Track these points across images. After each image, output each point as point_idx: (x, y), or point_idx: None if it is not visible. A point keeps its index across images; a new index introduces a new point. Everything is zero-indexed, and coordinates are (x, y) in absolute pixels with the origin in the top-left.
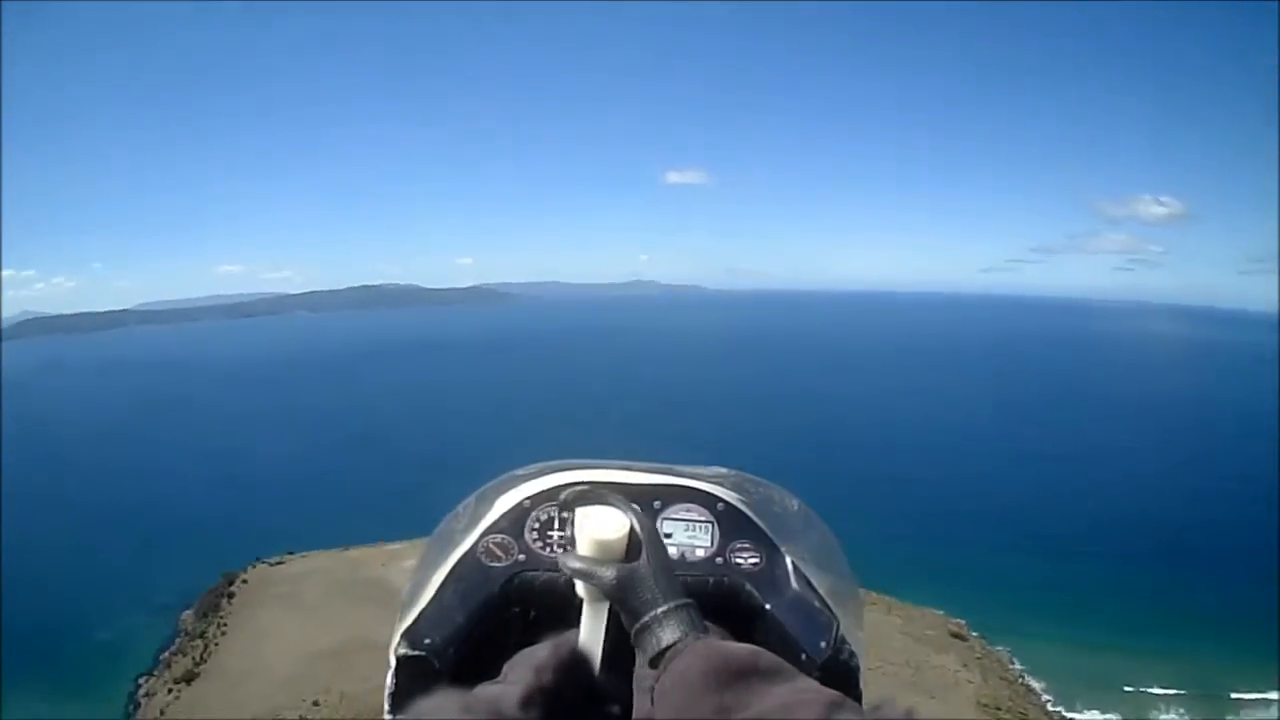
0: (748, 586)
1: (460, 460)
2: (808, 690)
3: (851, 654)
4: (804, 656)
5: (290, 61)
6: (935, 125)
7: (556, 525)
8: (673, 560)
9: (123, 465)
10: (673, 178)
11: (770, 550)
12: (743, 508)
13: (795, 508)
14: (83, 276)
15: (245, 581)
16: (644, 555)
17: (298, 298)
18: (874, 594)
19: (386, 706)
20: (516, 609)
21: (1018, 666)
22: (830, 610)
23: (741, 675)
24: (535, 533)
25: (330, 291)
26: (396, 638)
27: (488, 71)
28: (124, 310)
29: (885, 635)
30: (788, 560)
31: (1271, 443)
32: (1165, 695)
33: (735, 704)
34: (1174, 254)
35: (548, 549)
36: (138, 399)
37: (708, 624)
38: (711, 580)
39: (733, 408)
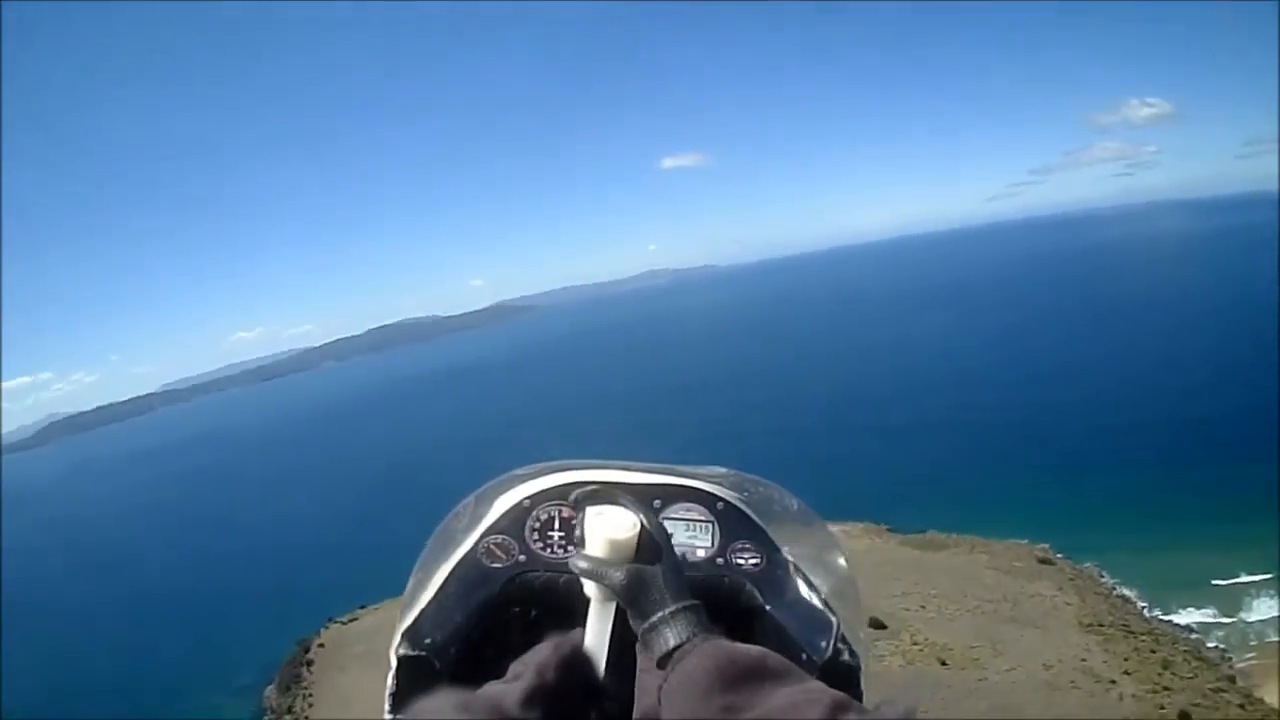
0: (748, 586)
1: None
2: (813, 691)
3: (852, 654)
4: (805, 656)
5: (272, 105)
6: (920, 68)
7: (557, 525)
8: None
9: (173, 551)
10: (669, 163)
11: (770, 550)
12: (743, 507)
13: (795, 508)
14: (101, 369)
15: (322, 646)
16: (650, 554)
17: (321, 350)
18: (956, 535)
19: (387, 706)
20: (516, 609)
21: (1108, 580)
22: (830, 610)
23: (749, 676)
24: (535, 533)
25: (351, 338)
26: (397, 637)
27: (470, 89)
28: (148, 395)
29: (975, 573)
30: (788, 560)
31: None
32: (1253, 582)
33: (742, 705)
34: (1168, 152)
35: (548, 549)
36: (172, 481)
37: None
38: (712, 580)
39: (757, 380)
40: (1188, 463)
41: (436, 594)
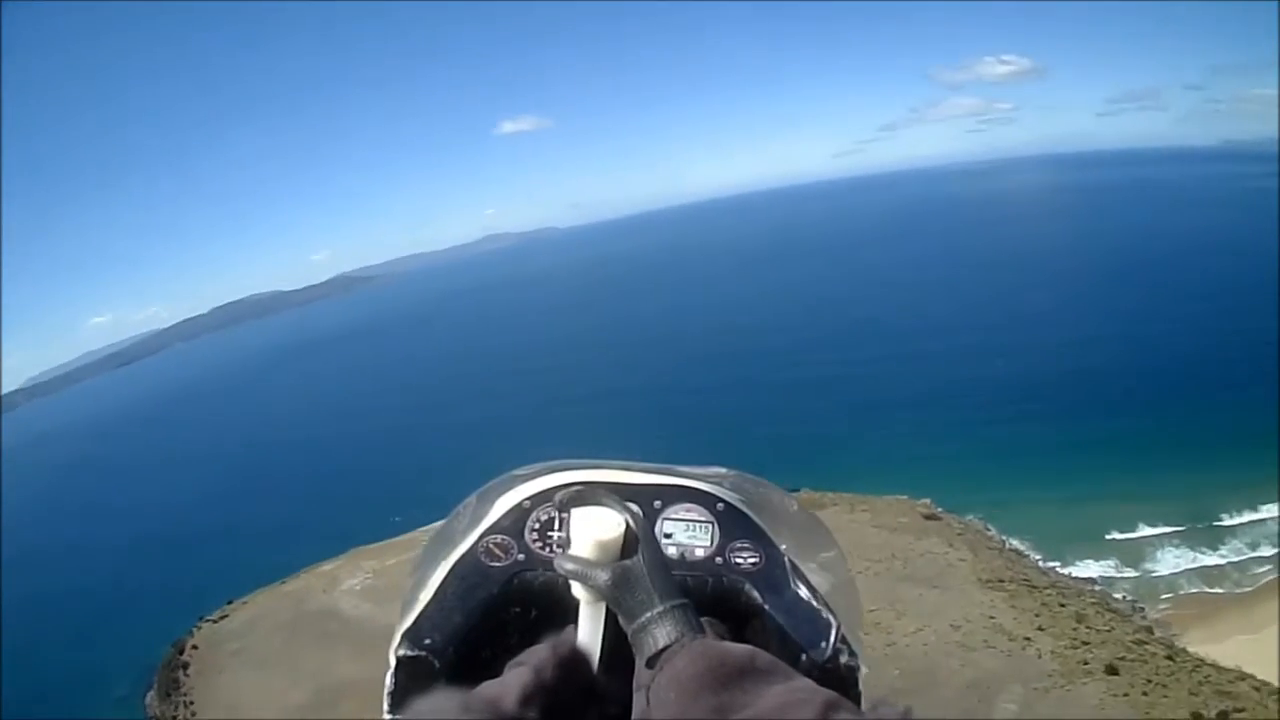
0: (747, 587)
1: (349, 465)
2: (804, 690)
3: (851, 654)
4: (804, 657)
5: (99, 79)
6: (760, 26)
7: (556, 525)
8: (673, 560)
9: (30, 557)
10: (507, 127)
11: (770, 550)
12: (742, 508)
13: (794, 508)
14: None
15: (195, 647)
16: (638, 554)
17: (170, 330)
18: (831, 494)
19: (386, 706)
20: (516, 609)
21: (996, 534)
22: (830, 610)
23: (738, 676)
24: (535, 533)
25: (198, 317)
26: (397, 637)
27: (300, 58)
28: (14, 392)
29: (859, 533)
30: (787, 560)
31: (1144, 268)
32: (1152, 536)
33: (732, 704)
34: (1026, 108)
35: (547, 549)
36: (39, 477)
37: (707, 622)
38: (711, 580)
39: (605, 342)
40: (1070, 417)
41: (436, 594)
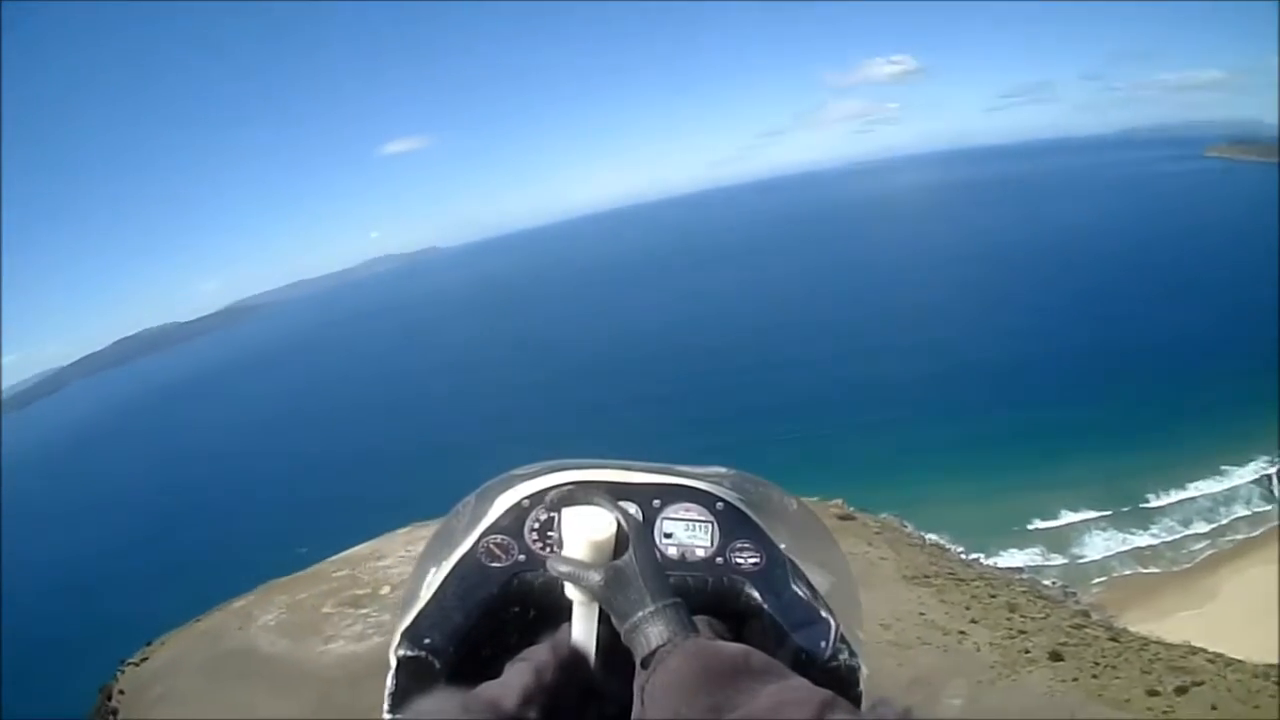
0: (747, 586)
1: (253, 498)
2: (800, 689)
3: (851, 654)
4: (803, 656)
5: None
6: (641, 39)
7: (555, 525)
8: (673, 560)
9: None
10: (392, 148)
11: (770, 550)
12: (743, 507)
13: (794, 507)
14: None
15: (122, 692)
16: (629, 554)
17: (71, 369)
18: None
19: (386, 706)
20: (516, 609)
21: (913, 530)
22: (830, 611)
23: (732, 675)
24: (534, 533)
25: (96, 354)
26: (397, 637)
27: (186, 83)
28: None
29: None
30: (787, 560)
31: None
32: (1077, 522)
33: (726, 704)
34: (913, 108)
35: (547, 549)
36: None
37: (708, 620)
38: (711, 580)
39: (498, 358)
40: (976, 411)
41: (436, 594)
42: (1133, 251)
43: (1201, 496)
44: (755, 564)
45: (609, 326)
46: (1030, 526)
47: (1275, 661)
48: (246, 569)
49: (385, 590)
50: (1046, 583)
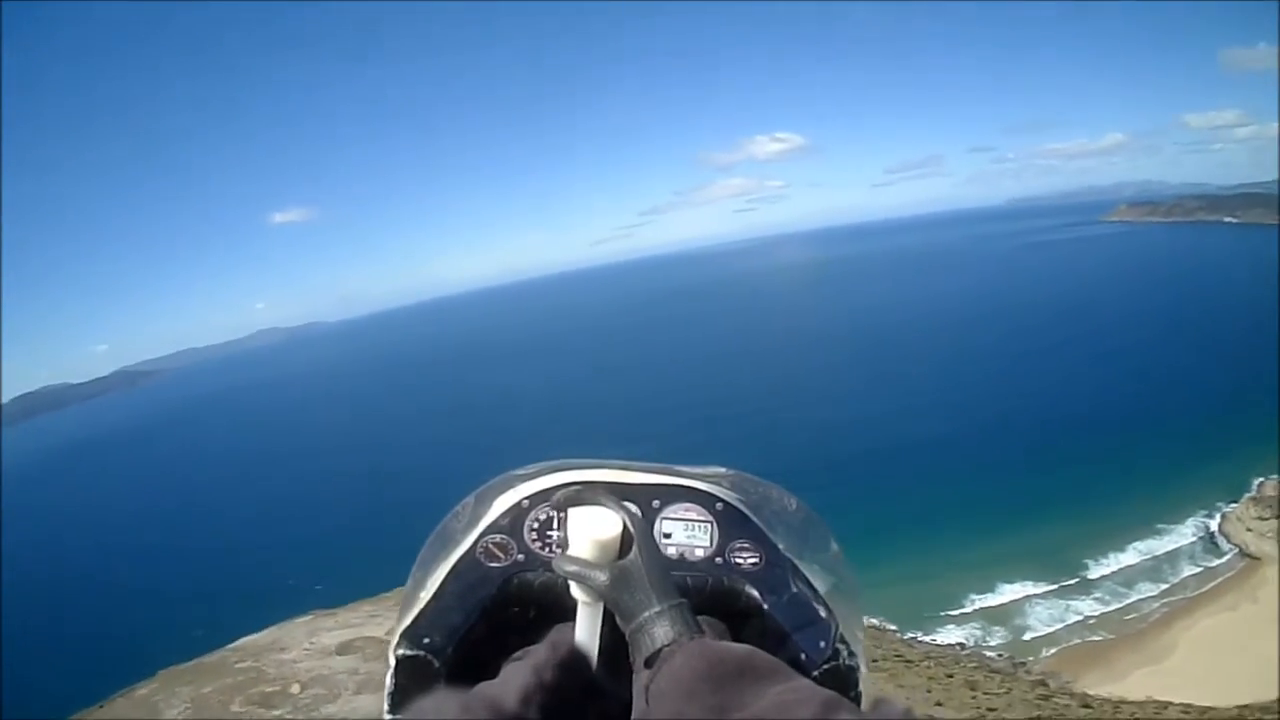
0: (747, 587)
1: (144, 577)
2: (802, 690)
3: (851, 654)
4: (803, 657)
5: None
6: (526, 119)
7: (555, 525)
8: (672, 560)
9: None
10: (278, 219)
11: (770, 550)
12: (742, 508)
13: (794, 507)
14: None
15: None
16: (634, 554)
17: None
18: None
19: (386, 706)
20: (515, 609)
21: None
22: (830, 611)
23: (736, 675)
24: (534, 533)
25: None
26: (396, 637)
27: (75, 147)
28: None
29: None
30: (787, 560)
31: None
32: (1018, 597)
33: (730, 704)
34: (797, 185)
35: (546, 549)
36: None
37: (708, 621)
38: (711, 580)
39: (375, 440)
40: (882, 494)
41: (435, 594)
42: (1018, 322)
43: (1143, 560)
44: (755, 564)
45: (485, 410)
46: (966, 603)
47: (1247, 702)
48: (139, 650)
49: (295, 689)
50: (992, 655)
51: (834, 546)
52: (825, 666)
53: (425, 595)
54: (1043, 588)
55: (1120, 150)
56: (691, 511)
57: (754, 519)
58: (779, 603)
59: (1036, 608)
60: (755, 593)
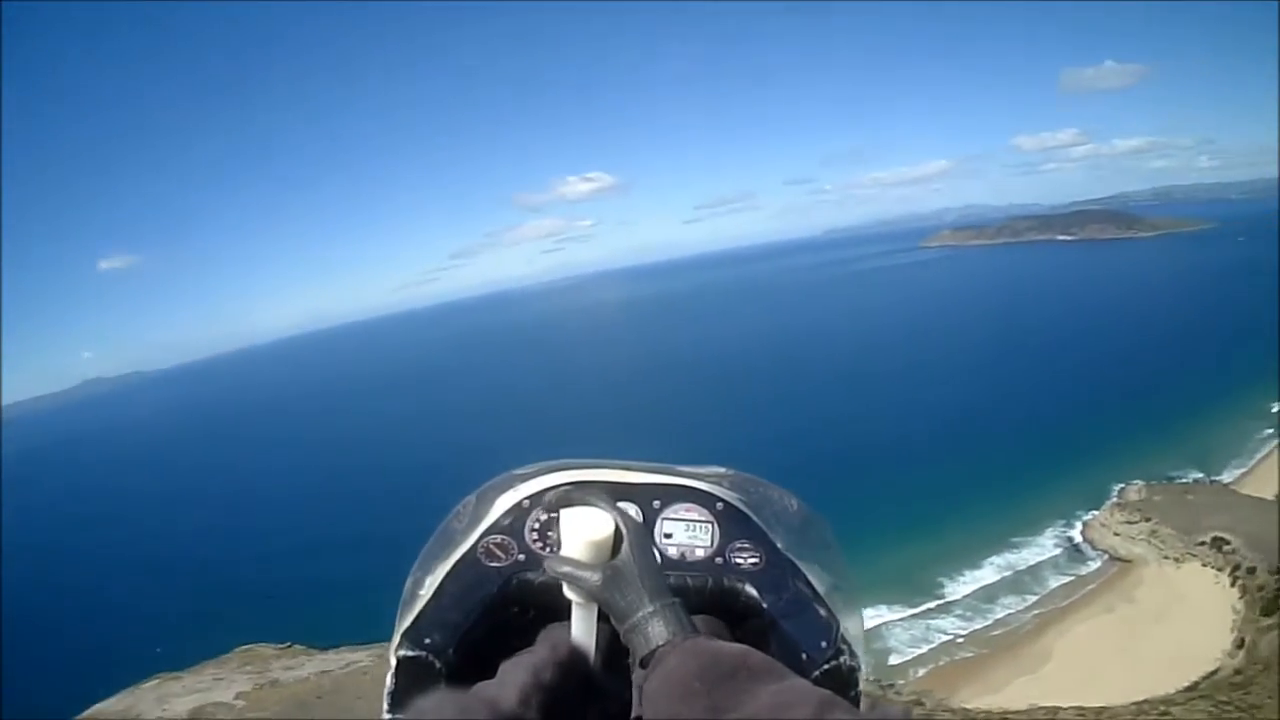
0: (748, 587)
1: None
2: (799, 689)
3: (852, 654)
4: (804, 657)
5: None
6: (336, 169)
7: (555, 526)
8: (673, 560)
9: None
10: (104, 265)
11: (770, 550)
12: (742, 507)
13: (795, 507)
14: None
15: None
16: (626, 554)
17: None
18: None
19: (385, 706)
20: (516, 609)
21: None
22: (830, 610)
23: (731, 675)
24: (534, 533)
25: None
26: (396, 637)
27: None
28: None
29: None
30: (788, 560)
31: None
32: (874, 623)
33: (725, 704)
34: (606, 224)
35: (547, 549)
36: None
37: (706, 620)
38: (711, 580)
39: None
40: None
41: (435, 594)
42: (835, 349)
43: (1003, 575)
44: (755, 564)
45: (312, 461)
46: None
47: (1140, 699)
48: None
49: None
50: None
51: (834, 547)
52: (826, 666)
53: (425, 595)
54: (900, 612)
55: (943, 176)
56: (692, 511)
57: (754, 519)
58: (779, 603)
59: (895, 631)
60: (755, 592)
